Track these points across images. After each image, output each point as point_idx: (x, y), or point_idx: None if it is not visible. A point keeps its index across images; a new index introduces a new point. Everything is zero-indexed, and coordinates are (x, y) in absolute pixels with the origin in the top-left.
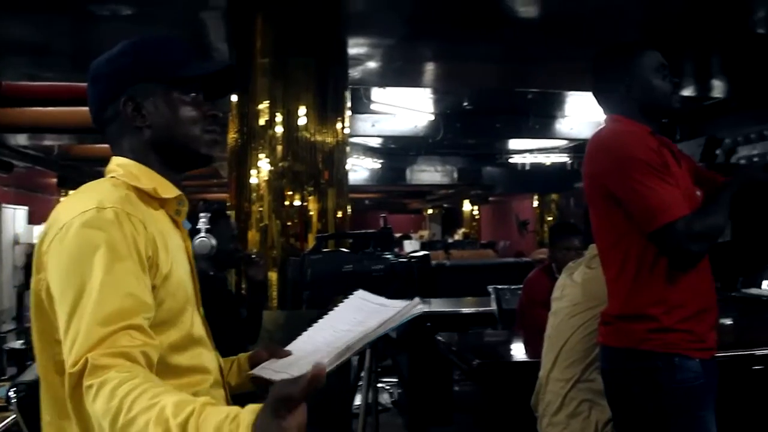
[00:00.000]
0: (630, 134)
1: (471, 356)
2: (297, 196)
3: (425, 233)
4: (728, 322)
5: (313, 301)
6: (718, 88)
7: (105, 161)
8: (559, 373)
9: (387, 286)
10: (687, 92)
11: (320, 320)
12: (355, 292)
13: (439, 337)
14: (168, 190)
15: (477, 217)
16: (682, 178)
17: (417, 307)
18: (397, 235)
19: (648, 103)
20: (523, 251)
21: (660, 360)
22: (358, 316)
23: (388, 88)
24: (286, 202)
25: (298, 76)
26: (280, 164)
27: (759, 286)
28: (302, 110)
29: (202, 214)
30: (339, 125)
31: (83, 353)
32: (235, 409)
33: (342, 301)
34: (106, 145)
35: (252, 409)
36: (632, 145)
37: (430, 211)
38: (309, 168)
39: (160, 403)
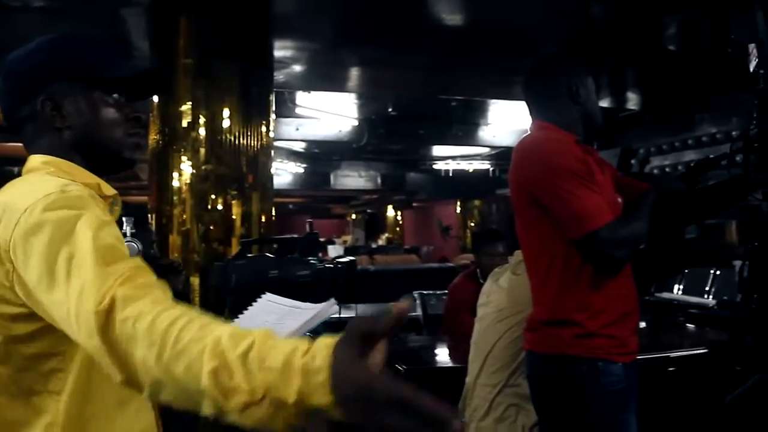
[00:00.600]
0: (557, 142)
1: (397, 362)
2: (220, 200)
3: (349, 238)
4: (643, 325)
5: (237, 307)
6: (632, 101)
7: (9, 160)
8: (486, 379)
9: (313, 291)
10: (604, 104)
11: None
12: (262, 296)
13: None
14: (107, 187)
15: (401, 222)
16: (605, 186)
17: (332, 308)
18: (321, 240)
19: (589, 114)
20: (446, 256)
21: (585, 365)
22: (271, 319)
23: (313, 92)
24: (209, 206)
25: (222, 77)
26: (203, 167)
27: (671, 290)
28: (226, 112)
29: (125, 219)
30: (263, 128)
31: (105, 291)
32: (303, 342)
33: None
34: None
35: (327, 344)
36: (559, 153)
37: (353, 216)
38: (232, 171)
39: (214, 333)
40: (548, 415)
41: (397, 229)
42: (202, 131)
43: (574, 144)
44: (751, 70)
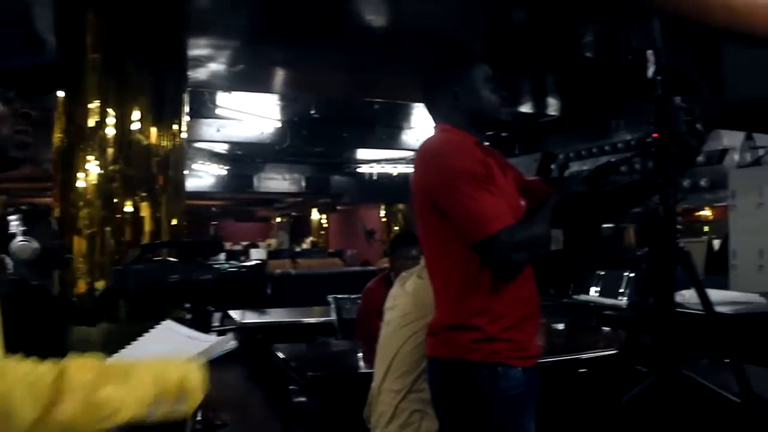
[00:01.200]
0: (456, 144)
1: (306, 368)
2: (128, 202)
3: (273, 242)
4: (559, 327)
5: (136, 313)
6: (553, 106)
7: None
8: (391, 384)
9: (216, 296)
10: (525, 109)
11: (124, 350)
12: (162, 322)
13: (275, 349)
14: None
15: (325, 225)
16: (507, 189)
17: (230, 343)
18: (244, 243)
19: (476, 114)
20: (369, 260)
21: (484, 369)
22: (165, 348)
23: (234, 93)
24: (117, 209)
25: (133, 75)
26: (111, 168)
27: (587, 292)
28: (136, 111)
29: (11, 217)
30: (176, 128)
31: None
32: None
33: (150, 330)
34: None
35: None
36: (458, 155)
37: (278, 220)
38: (142, 173)
39: None
40: (449, 420)
41: (322, 232)
42: (110, 130)
43: (474, 146)
44: (649, 76)
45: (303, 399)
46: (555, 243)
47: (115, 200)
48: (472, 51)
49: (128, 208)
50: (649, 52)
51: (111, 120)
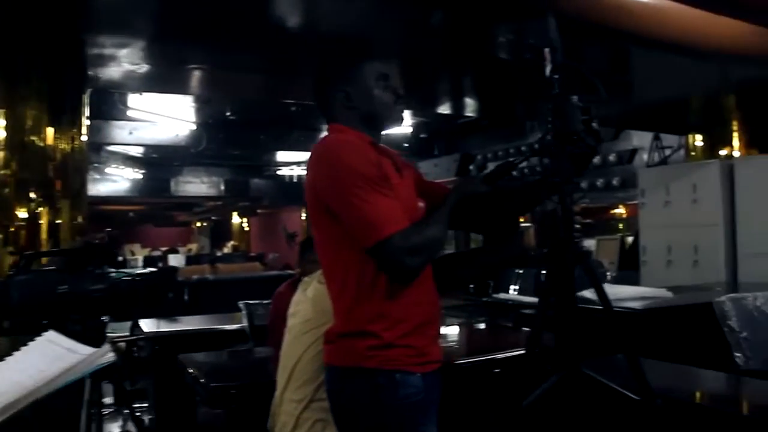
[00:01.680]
0: (349, 145)
1: (210, 379)
2: (23, 208)
3: (193, 246)
4: (476, 327)
5: (21, 327)
6: (471, 108)
7: None
8: (293, 393)
9: (110, 306)
10: (444, 110)
11: (1, 363)
12: (44, 333)
13: (181, 359)
14: None
15: (246, 229)
16: (403, 190)
17: (106, 355)
18: (163, 249)
19: (369, 113)
20: (291, 264)
21: (382, 377)
22: (41, 363)
23: (146, 94)
24: (10, 215)
25: (27, 75)
26: (3, 172)
27: (507, 291)
28: (31, 113)
29: None
30: (75, 130)
31: None
32: None
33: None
34: None
35: None
36: (350, 156)
37: (198, 224)
38: (37, 176)
39: None
40: (348, 430)
41: (244, 236)
42: (1, 133)
43: (368, 146)
44: (547, 74)
45: (208, 411)
46: (475, 242)
47: (10, 205)
48: (390, 53)
49: (23, 213)
50: (546, 50)
51: (2, 121)
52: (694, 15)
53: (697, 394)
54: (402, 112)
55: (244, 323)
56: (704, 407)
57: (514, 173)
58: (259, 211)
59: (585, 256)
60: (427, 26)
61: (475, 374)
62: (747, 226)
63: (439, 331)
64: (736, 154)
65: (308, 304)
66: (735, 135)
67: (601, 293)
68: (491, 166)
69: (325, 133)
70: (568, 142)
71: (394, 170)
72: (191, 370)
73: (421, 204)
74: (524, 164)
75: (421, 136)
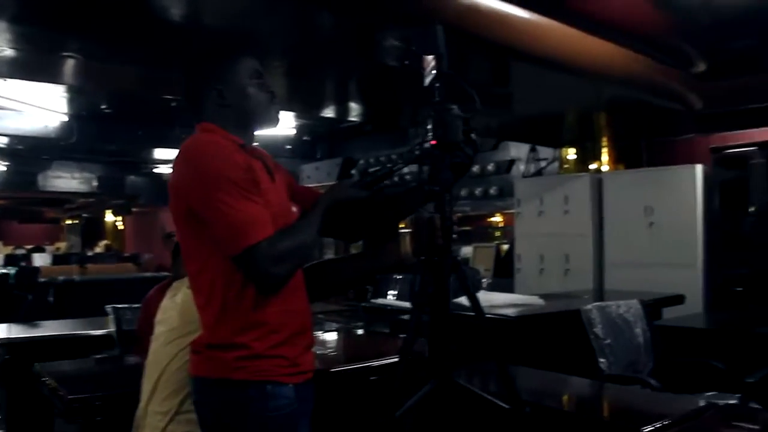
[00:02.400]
0: (216, 147)
1: (68, 390)
2: None
3: (63, 245)
4: (354, 333)
5: None
6: (355, 112)
7: None
8: (158, 405)
9: None
10: (328, 113)
11: None
12: None
13: (36, 369)
14: None
15: (121, 228)
16: (275, 195)
17: None
18: (28, 247)
19: (243, 113)
20: (165, 265)
21: (252, 389)
22: None
23: (11, 81)
24: None
25: None
26: None
27: (385, 296)
28: None
29: None
30: None
31: None
32: None
33: None
34: None
35: None
36: (217, 159)
37: (68, 221)
38: None
39: None
40: None
41: (118, 235)
42: None
43: (237, 149)
44: (426, 83)
45: (65, 425)
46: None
47: None
48: (276, 53)
49: None
50: (429, 58)
51: None
52: (571, 34)
53: (564, 401)
54: (277, 112)
55: (112, 328)
56: (570, 414)
57: (387, 181)
58: (134, 209)
59: (458, 266)
60: (314, 27)
61: (351, 382)
62: (613, 237)
63: (311, 339)
64: (605, 168)
65: (175, 311)
66: (604, 150)
67: (474, 301)
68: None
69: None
70: (448, 151)
71: (265, 173)
72: (47, 380)
73: (294, 209)
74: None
75: (304, 138)
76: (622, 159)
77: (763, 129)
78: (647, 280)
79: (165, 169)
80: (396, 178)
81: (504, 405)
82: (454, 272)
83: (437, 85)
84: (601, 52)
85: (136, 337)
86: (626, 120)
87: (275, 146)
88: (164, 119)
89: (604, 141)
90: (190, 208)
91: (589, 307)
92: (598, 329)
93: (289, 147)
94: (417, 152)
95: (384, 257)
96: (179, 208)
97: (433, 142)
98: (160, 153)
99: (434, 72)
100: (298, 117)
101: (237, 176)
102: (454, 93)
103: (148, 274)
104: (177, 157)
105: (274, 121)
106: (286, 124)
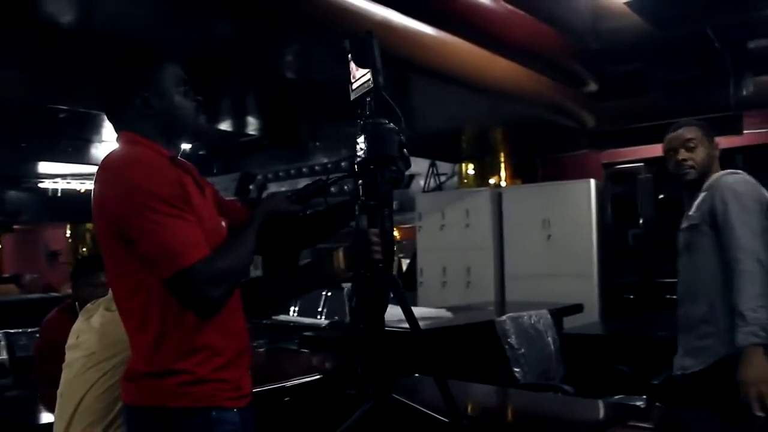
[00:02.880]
0: (146, 160)
1: None
2: None
3: None
4: (260, 351)
5: None
6: (252, 126)
7: None
8: None
9: None
10: (225, 126)
11: None
12: None
13: None
14: None
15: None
16: (206, 210)
17: None
18: None
19: (169, 121)
20: (52, 285)
21: (197, 416)
22: None
23: None
24: None
25: None
26: None
27: (287, 312)
28: None
29: None
30: None
31: None
32: None
33: None
34: None
35: None
36: (145, 173)
37: None
38: None
39: None
40: None
41: None
42: None
43: (168, 162)
44: (352, 99)
45: None
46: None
47: None
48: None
49: None
50: (360, 72)
51: None
52: (474, 52)
53: (498, 413)
54: (202, 122)
55: (4, 355)
56: (509, 425)
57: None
58: (15, 226)
59: (397, 281)
60: (214, 36)
61: (266, 404)
62: (512, 249)
63: (250, 360)
64: (503, 183)
65: (93, 334)
66: (502, 165)
67: (410, 317)
68: (272, 186)
69: (113, 144)
70: (383, 166)
71: (195, 188)
72: None
73: (223, 223)
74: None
75: (200, 153)
76: (519, 174)
77: (649, 146)
78: (546, 291)
79: (50, 184)
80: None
81: (443, 419)
82: (392, 289)
83: (368, 99)
84: (502, 71)
85: (34, 364)
86: (523, 136)
87: None
88: (51, 131)
89: (502, 156)
90: (119, 227)
91: (503, 318)
92: (512, 339)
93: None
94: (355, 165)
95: (315, 273)
96: (105, 227)
97: (369, 157)
98: (45, 167)
99: (371, 85)
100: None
101: (166, 192)
102: (381, 108)
103: (35, 296)
104: (101, 170)
105: (200, 131)
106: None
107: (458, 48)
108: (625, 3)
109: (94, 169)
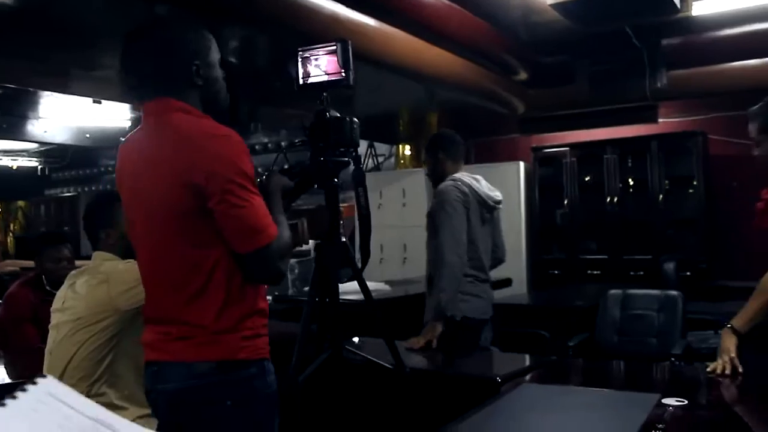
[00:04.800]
0: (235, 137)
1: None
2: None
3: None
4: None
5: None
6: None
7: None
8: None
9: None
10: None
11: None
12: (37, 381)
13: None
14: None
15: None
16: None
17: None
18: None
19: (213, 93)
20: None
21: (253, 366)
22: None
23: None
24: None
25: None
26: None
27: None
28: None
29: None
30: None
31: None
32: None
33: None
34: None
35: None
36: (237, 151)
37: None
38: None
39: None
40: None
41: None
42: None
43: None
44: (297, 88)
45: None
46: None
47: None
48: (105, 42)
49: None
50: (334, 70)
51: None
52: (413, 43)
53: (436, 364)
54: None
55: None
56: (442, 373)
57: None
58: None
59: (348, 251)
60: (151, 18)
61: None
62: None
63: None
64: None
65: (80, 300)
66: None
67: (363, 286)
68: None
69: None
70: (350, 151)
71: None
72: None
73: None
74: None
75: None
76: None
77: (573, 132)
78: None
79: None
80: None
81: (389, 366)
82: (343, 258)
83: (325, 94)
84: (438, 60)
85: None
86: (457, 120)
87: (110, 140)
88: None
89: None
90: (200, 197)
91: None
92: None
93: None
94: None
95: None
96: (182, 195)
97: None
98: None
99: (346, 83)
100: (134, 109)
101: (251, 171)
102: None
103: None
104: (185, 138)
105: (226, 109)
106: (122, 116)
107: (398, 39)
108: (551, 5)
109: (28, 146)
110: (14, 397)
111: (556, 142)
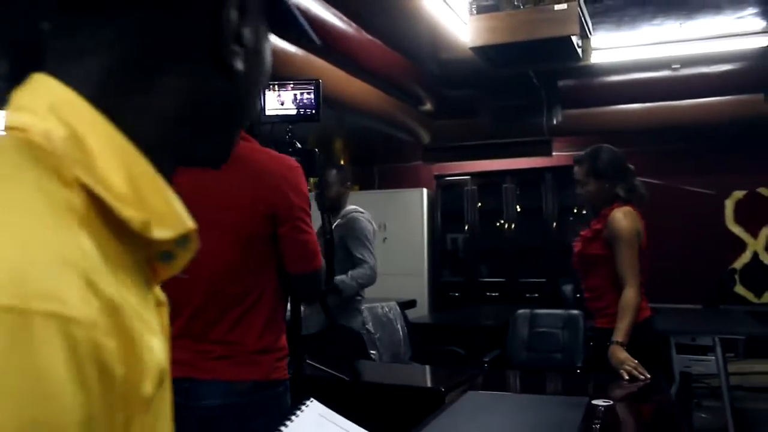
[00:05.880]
0: (298, 166)
1: None
2: None
3: None
4: None
5: None
6: None
7: None
8: None
9: None
10: None
11: None
12: (308, 403)
13: None
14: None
15: None
16: None
17: None
18: None
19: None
20: None
21: (280, 386)
22: None
23: None
24: None
25: None
26: None
27: None
28: None
29: None
30: None
31: None
32: None
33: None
34: None
35: None
36: (303, 179)
37: None
38: None
39: None
40: None
41: None
42: None
43: None
44: (262, 120)
45: None
46: None
47: None
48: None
49: None
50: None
51: None
52: (330, 70)
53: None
54: None
55: None
56: (391, 385)
57: None
58: None
59: None
60: None
61: None
62: None
63: None
64: None
65: None
66: None
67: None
68: None
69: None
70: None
71: None
72: None
73: None
74: None
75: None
76: (358, 181)
77: (474, 162)
78: (383, 288)
79: None
80: None
81: (345, 378)
82: None
83: (290, 127)
84: (351, 88)
85: None
86: (363, 146)
87: None
88: None
89: (343, 163)
90: (272, 220)
91: (362, 308)
92: (370, 326)
93: None
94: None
95: None
96: (256, 218)
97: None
98: None
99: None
100: None
101: (309, 203)
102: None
103: None
104: (264, 167)
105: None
106: None
107: (318, 67)
108: (470, 48)
109: None
110: (291, 420)
111: (458, 170)
